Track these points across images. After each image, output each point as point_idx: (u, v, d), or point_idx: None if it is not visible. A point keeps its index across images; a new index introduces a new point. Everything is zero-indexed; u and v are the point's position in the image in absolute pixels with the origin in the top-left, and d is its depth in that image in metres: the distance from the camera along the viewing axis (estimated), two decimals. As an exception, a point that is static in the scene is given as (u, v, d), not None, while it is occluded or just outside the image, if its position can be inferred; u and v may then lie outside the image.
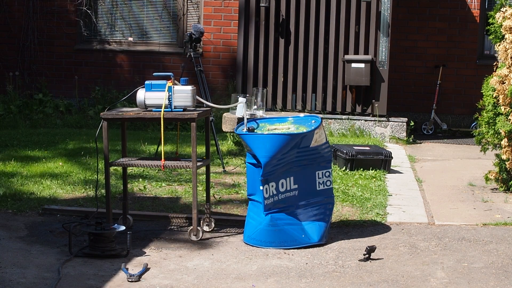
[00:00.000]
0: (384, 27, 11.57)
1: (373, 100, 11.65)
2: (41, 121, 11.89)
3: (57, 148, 9.69)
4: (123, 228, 5.87)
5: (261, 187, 5.99)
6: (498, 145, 7.99)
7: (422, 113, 12.89)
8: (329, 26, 11.75)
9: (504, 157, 7.87)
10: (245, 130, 6.12)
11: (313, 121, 6.18)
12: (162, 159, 6.18)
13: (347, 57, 11.63)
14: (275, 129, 6.17)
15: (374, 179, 8.40)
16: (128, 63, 12.93)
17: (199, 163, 6.18)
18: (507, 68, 7.79)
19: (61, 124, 11.82)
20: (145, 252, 5.84)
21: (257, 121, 6.29)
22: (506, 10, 7.87)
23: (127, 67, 12.93)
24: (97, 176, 6.87)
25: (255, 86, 11.74)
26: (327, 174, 6.20)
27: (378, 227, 6.64)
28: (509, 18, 7.79)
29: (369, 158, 8.85)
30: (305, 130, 6.08)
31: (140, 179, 8.08)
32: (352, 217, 6.90)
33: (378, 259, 5.78)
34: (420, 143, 11.75)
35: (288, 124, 6.23)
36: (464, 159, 10.29)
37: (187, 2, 12.85)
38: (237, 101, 6.48)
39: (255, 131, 6.13)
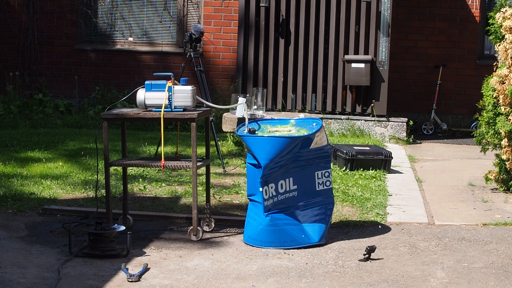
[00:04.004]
0: (384, 27, 11.57)
1: (373, 100, 11.65)
2: (41, 121, 11.89)
3: (57, 148, 9.69)
4: (123, 228, 5.87)
5: (260, 189, 5.99)
6: (498, 145, 7.99)
7: (422, 113, 12.89)
8: (329, 26, 11.76)
9: (504, 157, 7.87)
10: (246, 131, 6.12)
11: (314, 124, 6.18)
12: (162, 159, 6.18)
13: (347, 57, 11.63)
14: (276, 131, 6.17)
15: (374, 179, 8.40)
16: (128, 63, 12.93)
17: (199, 163, 6.18)
18: (507, 68, 7.79)
19: (61, 124, 11.82)
20: (145, 252, 5.84)
21: (258, 122, 6.29)
22: (506, 10, 7.87)
23: (127, 67, 12.93)
24: (97, 176, 6.86)
25: (255, 86, 11.74)
26: (327, 174, 6.21)
27: (378, 227, 6.64)
28: (509, 19, 7.79)
29: (369, 158, 8.85)
30: (306, 133, 6.08)
31: (140, 179, 8.08)
32: (352, 217, 6.90)
33: (378, 259, 5.78)
34: (420, 143, 11.75)
35: (289, 126, 6.23)
36: (464, 159, 10.29)
37: (187, 2, 12.85)
38: (237, 101, 6.49)
39: (256, 132, 6.13)
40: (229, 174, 8.54)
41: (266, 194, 6.01)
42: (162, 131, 6.25)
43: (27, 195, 7.28)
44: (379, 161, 8.86)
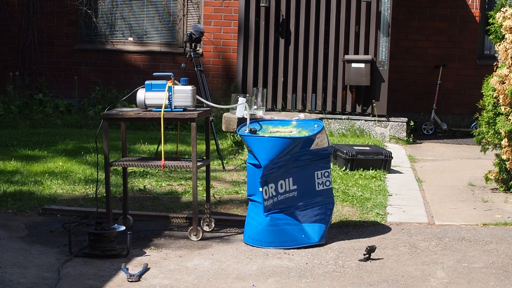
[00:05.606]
0: (384, 27, 11.57)
1: (373, 100, 11.65)
2: (41, 121, 11.89)
3: (57, 148, 9.69)
4: (123, 228, 5.87)
5: (260, 189, 6.00)
6: (498, 145, 7.99)
7: (422, 113, 12.90)
8: (329, 26, 11.75)
9: (504, 157, 7.87)
10: (247, 131, 6.12)
11: (315, 126, 6.18)
12: (162, 159, 6.18)
13: (347, 57, 11.63)
14: (277, 131, 6.17)
15: (374, 179, 8.40)
16: (128, 63, 12.94)
17: (199, 163, 6.18)
18: (507, 68, 7.79)
19: (61, 124, 11.82)
20: (145, 252, 5.84)
21: (260, 122, 6.30)
22: (506, 10, 7.87)
23: (127, 67, 12.93)
24: (97, 176, 6.87)
25: (255, 86, 11.74)
26: (326, 174, 6.21)
27: (378, 227, 6.64)
28: (509, 18, 7.79)
29: (369, 158, 8.85)
30: (307, 134, 6.08)
31: (140, 179, 8.08)
32: (352, 217, 6.90)
33: (378, 259, 5.78)
34: (420, 143, 11.75)
35: (291, 127, 6.23)
36: (464, 159, 10.29)
37: (187, 2, 12.85)
38: (237, 101, 6.49)
39: (258, 132, 6.14)
40: (229, 174, 8.54)
41: (266, 194, 6.01)
42: (162, 131, 6.25)
43: (27, 195, 7.28)
44: (379, 161, 8.86)
